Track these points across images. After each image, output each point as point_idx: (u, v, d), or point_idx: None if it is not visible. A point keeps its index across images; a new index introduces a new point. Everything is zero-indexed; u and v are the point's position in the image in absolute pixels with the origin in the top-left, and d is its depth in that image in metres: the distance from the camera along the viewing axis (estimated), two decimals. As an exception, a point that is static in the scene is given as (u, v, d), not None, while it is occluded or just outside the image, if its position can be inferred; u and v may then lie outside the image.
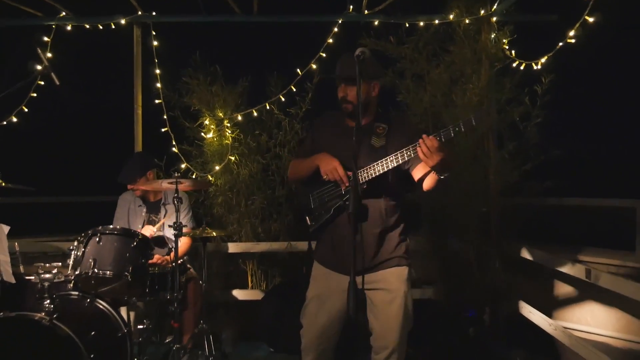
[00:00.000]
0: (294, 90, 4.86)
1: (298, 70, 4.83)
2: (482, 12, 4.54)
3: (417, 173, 2.68)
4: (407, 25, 4.73)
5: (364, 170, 2.60)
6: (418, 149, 2.41)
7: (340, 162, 2.63)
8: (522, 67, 4.39)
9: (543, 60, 4.23)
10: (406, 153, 2.50)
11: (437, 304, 4.20)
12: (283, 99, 4.87)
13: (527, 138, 4.25)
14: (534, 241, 4.39)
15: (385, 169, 2.55)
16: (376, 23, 4.85)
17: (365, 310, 2.73)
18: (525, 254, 4.18)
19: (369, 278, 2.63)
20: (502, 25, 4.54)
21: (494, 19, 4.57)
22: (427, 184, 2.64)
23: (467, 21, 4.54)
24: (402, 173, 2.68)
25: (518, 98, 4.31)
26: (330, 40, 4.83)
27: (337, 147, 2.68)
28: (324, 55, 4.82)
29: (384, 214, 2.68)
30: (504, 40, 4.44)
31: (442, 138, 2.40)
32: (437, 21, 4.64)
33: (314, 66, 4.80)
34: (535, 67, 4.28)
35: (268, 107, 4.91)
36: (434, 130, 2.58)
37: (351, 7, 4.84)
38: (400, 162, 2.52)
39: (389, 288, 2.66)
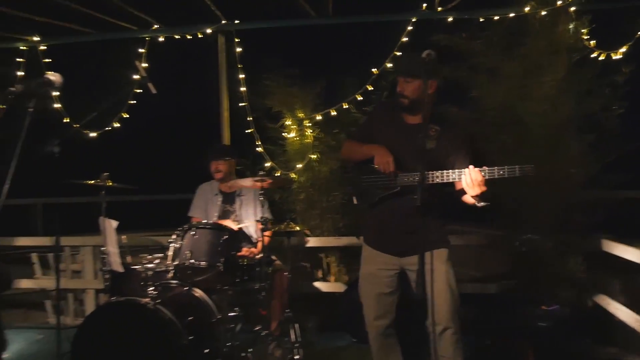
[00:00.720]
0: (370, 89, 5.01)
1: (374, 69, 4.98)
2: (559, 2, 4.47)
3: (459, 184, 2.76)
4: (481, 20, 4.75)
5: (412, 176, 2.78)
6: (463, 177, 2.61)
7: (394, 158, 2.82)
8: (601, 58, 4.28)
9: (623, 49, 4.11)
10: (452, 175, 2.69)
11: (512, 298, 4.21)
12: (360, 98, 5.04)
13: (608, 129, 4.15)
14: (616, 235, 4.27)
15: (428, 182, 2.72)
16: (450, 19, 4.90)
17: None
18: (609, 248, 4.08)
19: (413, 260, 2.79)
20: (580, 15, 4.44)
21: (572, 8, 4.48)
22: (465, 200, 2.79)
23: (543, 13, 4.48)
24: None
25: (597, 89, 4.21)
26: (405, 39, 4.94)
27: (393, 143, 2.86)
28: (398, 53, 4.94)
29: (429, 207, 2.75)
30: (583, 31, 4.34)
31: (486, 175, 2.59)
32: (512, 14, 4.61)
33: (389, 65, 4.93)
34: (614, 57, 4.17)
35: (345, 106, 5.09)
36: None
37: (424, 4, 4.92)
38: (444, 181, 2.71)
39: (432, 268, 2.79)
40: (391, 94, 4.89)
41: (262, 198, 3.81)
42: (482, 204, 2.67)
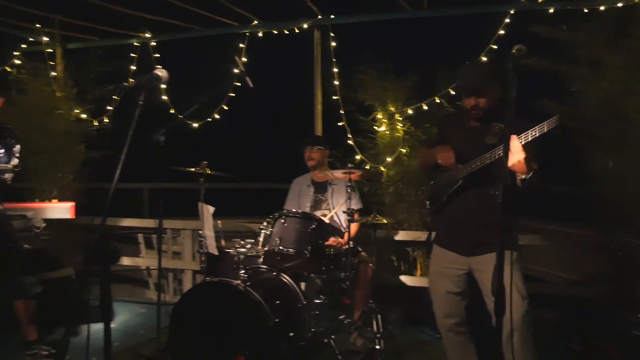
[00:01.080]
0: (464, 82, 4.91)
1: (467, 62, 4.87)
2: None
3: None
4: (586, 10, 4.52)
5: (468, 164, 2.87)
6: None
7: (458, 155, 2.92)
8: None
9: None
10: (497, 152, 2.71)
11: (605, 303, 4.01)
12: (453, 93, 4.96)
13: None
14: None
15: (482, 165, 2.80)
16: (551, 10, 4.69)
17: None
18: None
19: (479, 259, 2.90)
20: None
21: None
22: (518, 183, 2.71)
23: (657, 1, 4.18)
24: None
25: None
26: (502, 32, 4.80)
27: (459, 143, 2.96)
28: (494, 47, 4.81)
29: (489, 202, 2.77)
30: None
31: (522, 140, 2.58)
32: (620, 4, 4.35)
33: (484, 58, 4.82)
34: None
35: (438, 100, 5.04)
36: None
37: (524, -5, 4.75)
38: (492, 160, 2.74)
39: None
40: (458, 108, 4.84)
41: (351, 189, 3.89)
42: (523, 177, 2.62)
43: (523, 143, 2.58)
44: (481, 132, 2.90)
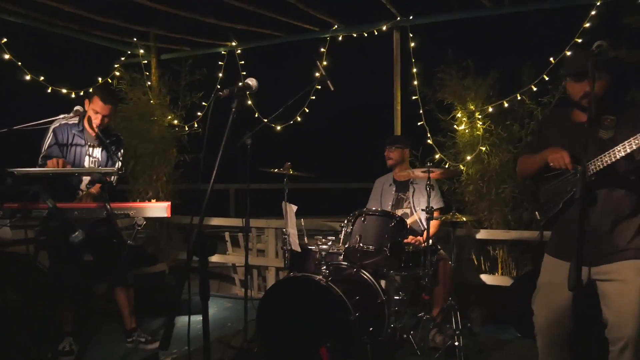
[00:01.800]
0: (547, 79, 4.83)
1: (551, 58, 4.78)
2: None
3: None
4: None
5: (591, 163, 2.56)
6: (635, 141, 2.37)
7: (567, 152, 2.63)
8: None
9: None
10: (634, 142, 2.42)
11: None
12: (535, 89, 4.87)
13: None
14: None
15: (613, 159, 2.51)
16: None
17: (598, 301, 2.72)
18: None
19: (603, 269, 2.64)
20: None
21: None
22: None
23: None
24: (636, 163, 2.55)
25: None
26: (587, 24, 4.65)
27: (565, 142, 2.68)
28: (579, 40, 4.67)
29: (616, 205, 2.62)
30: None
31: None
32: None
33: (568, 53, 4.69)
34: None
35: (519, 98, 4.97)
36: None
37: (613, -15, 4.58)
38: (629, 151, 2.45)
39: (625, 279, 2.58)
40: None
41: (430, 187, 3.94)
42: None
43: None
44: (591, 127, 2.55)
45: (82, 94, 6.16)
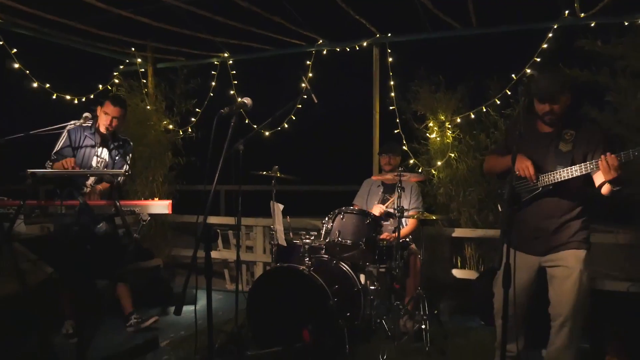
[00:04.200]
0: (509, 93, 5.38)
1: (513, 75, 5.33)
2: None
3: (597, 179, 3.05)
4: (626, 23, 4.83)
5: (552, 174, 3.09)
6: (599, 163, 2.86)
7: (534, 163, 3.13)
8: None
9: None
10: (589, 166, 2.94)
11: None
12: (498, 102, 5.42)
13: None
14: None
15: (570, 177, 3.02)
16: (592, 25, 5.03)
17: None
18: None
19: (551, 257, 3.22)
20: None
21: None
22: (604, 191, 3.05)
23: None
24: (584, 175, 3.04)
25: None
26: (545, 45, 5.20)
27: (530, 149, 3.17)
28: (538, 59, 5.22)
29: (565, 207, 3.16)
30: None
31: (622, 159, 2.82)
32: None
33: (528, 70, 5.24)
34: None
35: (485, 110, 5.52)
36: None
37: (566, 12, 5.12)
38: (584, 173, 2.97)
39: (567, 265, 3.15)
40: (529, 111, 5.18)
41: (401, 189, 4.40)
42: (617, 187, 2.91)
43: (623, 161, 2.81)
44: (553, 139, 3.15)
45: (84, 100, 6.59)
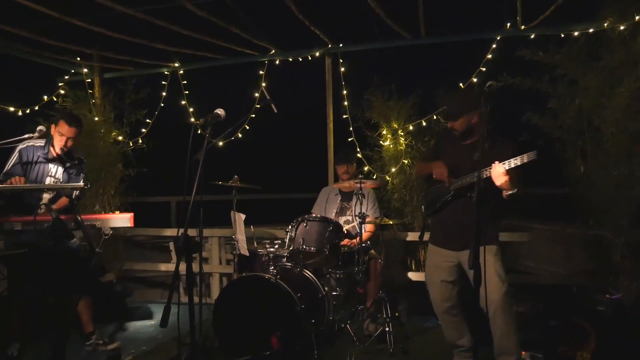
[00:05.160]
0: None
1: (460, 84, 5.58)
2: (638, 17, 4.77)
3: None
4: (562, 35, 5.17)
5: (461, 179, 3.51)
6: (490, 170, 3.26)
7: (449, 168, 3.56)
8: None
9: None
10: (485, 172, 3.32)
11: (584, 289, 4.60)
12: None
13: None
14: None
15: (471, 181, 3.42)
16: (532, 36, 5.36)
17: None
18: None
19: (466, 253, 3.42)
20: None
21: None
22: (504, 195, 3.35)
23: (622, 27, 4.80)
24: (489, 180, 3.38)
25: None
26: (489, 56, 5.49)
27: (451, 158, 3.61)
28: (483, 69, 5.50)
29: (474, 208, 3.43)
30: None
31: (507, 166, 3.20)
32: (591, 30, 4.99)
33: (475, 79, 5.50)
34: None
35: (435, 117, 5.74)
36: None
37: (508, 24, 5.43)
38: (482, 178, 3.28)
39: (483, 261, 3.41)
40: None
41: (361, 196, 4.53)
42: (509, 192, 3.26)
43: (507, 168, 3.20)
44: (470, 150, 3.56)
45: (28, 111, 6.35)
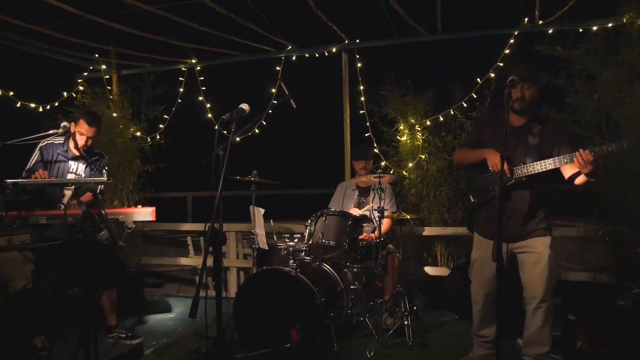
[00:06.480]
0: (474, 96, 5.64)
1: (478, 79, 5.59)
2: (656, 11, 4.75)
3: (566, 172, 3.32)
4: (581, 30, 5.15)
5: (525, 167, 3.28)
6: (575, 158, 3.07)
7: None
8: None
9: None
10: (563, 160, 3.15)
11: (603, 284, 4.61)
12: (465, 105, 5.67)
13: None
14: None
15: (543, 170, 3.22)
16: (550, 31, 5.34)
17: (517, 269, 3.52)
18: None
19: (521, 244, 3.46)
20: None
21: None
22: (578, 181, 3.29)
23: (640, 22, 4.78)
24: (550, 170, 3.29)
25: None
26: (507, 51, 5.49)
27: (498, 143, 3.19)
28: (501, 64, 5.50)
29: (532, 197, 3.39)
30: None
31: (595, 154, 3.03)
32: (610, 24, 4.97)
33: (492, 75, 5.51)
34: None
35: (452, 112, 5.75)
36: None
37: (526, 19, 5.42)
38: (558, 166, 3.19)
39: (537, 252, 3.41)
40: (497, 99, 5.45)
41: (380, 191, 4.55)
42: (593, 179, 3.15)
43: (597, 155, 3.02)
44: (522, 132, 3.35)
45: (48, 108, 6.44)
